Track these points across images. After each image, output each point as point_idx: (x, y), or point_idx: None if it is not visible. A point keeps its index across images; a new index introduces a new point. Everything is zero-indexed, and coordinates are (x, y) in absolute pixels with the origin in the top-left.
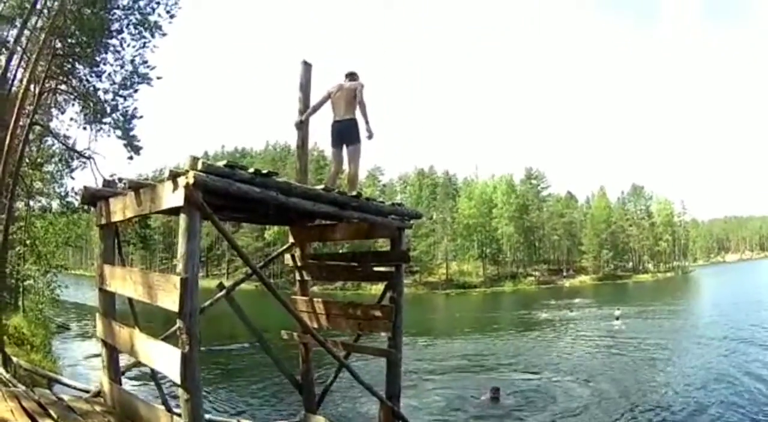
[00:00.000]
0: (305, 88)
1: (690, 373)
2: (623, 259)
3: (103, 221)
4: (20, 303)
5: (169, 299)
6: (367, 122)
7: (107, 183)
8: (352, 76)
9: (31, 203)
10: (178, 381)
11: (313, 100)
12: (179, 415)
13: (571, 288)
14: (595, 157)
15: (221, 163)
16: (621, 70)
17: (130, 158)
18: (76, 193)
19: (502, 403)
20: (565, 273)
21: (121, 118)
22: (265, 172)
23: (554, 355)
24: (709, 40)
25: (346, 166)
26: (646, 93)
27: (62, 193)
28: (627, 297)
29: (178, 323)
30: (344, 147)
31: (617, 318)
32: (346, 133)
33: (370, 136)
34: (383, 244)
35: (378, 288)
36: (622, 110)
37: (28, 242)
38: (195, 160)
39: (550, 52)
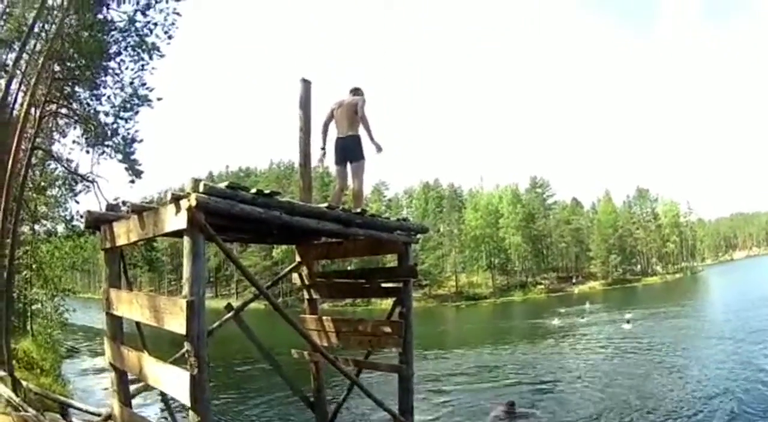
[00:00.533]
0: (305, 105)
1: (702, 374)
2: (631, 263)
3: (108, 245)
4: (29, 327)
5: (176, 322)
6: (371, 137)
7: (111, 207)
8: (355, 91)
9: (36, 227)
10: (188, 403)
11: (315, 118)
12: None
13: (580, 295)
14: (599, 162)
15: (223, 185)
16: (621, 72)
17: (132, 182)
18: (80, 217)
19: (517, 418)
20: (574, 280)
21: (122, 142)
22: (267, 192)
23: (567, 363)
24: (710, 40)
25: (350, 183)
26: (646, 94)
27: (67, 217)
28: (637, 301)
29: (186, 346)
30: (348, 164)
31: (628, 322)
32: (349, 150)
33: (378, 150)
34: (391, 260)
35: (389, 302)
36: (623, 113)
37: (34, 266)
38: (197, 182)
39: (549, 55)
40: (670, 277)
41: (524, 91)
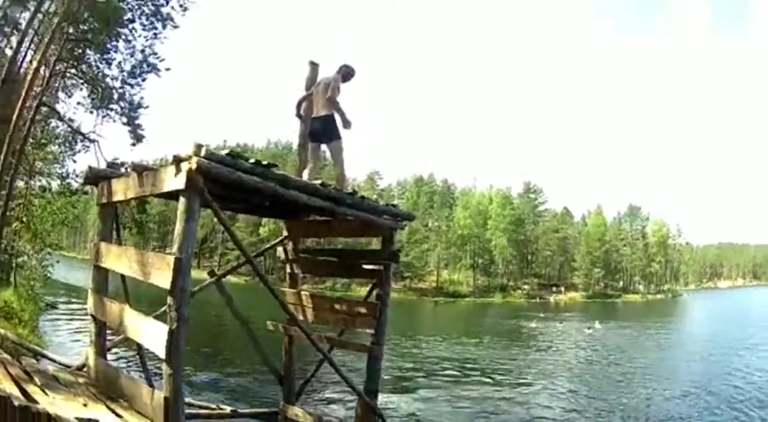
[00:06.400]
0: (310, 87)
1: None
2: (614, 278)
3: (104, 200)
4: (12, 278)
5: (162, 277)
6: (341, 114)
7: (111, 164)
8: (340, 68)
9: (32, 182)
10: (163, 356)
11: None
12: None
13: (559, 304)
14: (595, 176)
15: (224, 152)
16: (630, 84)
17: (133, 145)
18: (76, 175)
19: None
20: (555, 289)
21: (128, 106)
22: (265, 163)
23: (531, 364)
24: (713, 60)
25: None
26: (650, 111)
27: (63, 174)
28: (614, 315)
29: (169, 301)
30: (324, 145)
31: (589, 328)
32: (323, 131)
33: (346, 125)
34: (375, 244)
35: (366, 291)
36: (624, 129)
37: (25, 219)
38: (199, 146)
39: (555, 60)
40: (651, 297)
41: (528, 99)
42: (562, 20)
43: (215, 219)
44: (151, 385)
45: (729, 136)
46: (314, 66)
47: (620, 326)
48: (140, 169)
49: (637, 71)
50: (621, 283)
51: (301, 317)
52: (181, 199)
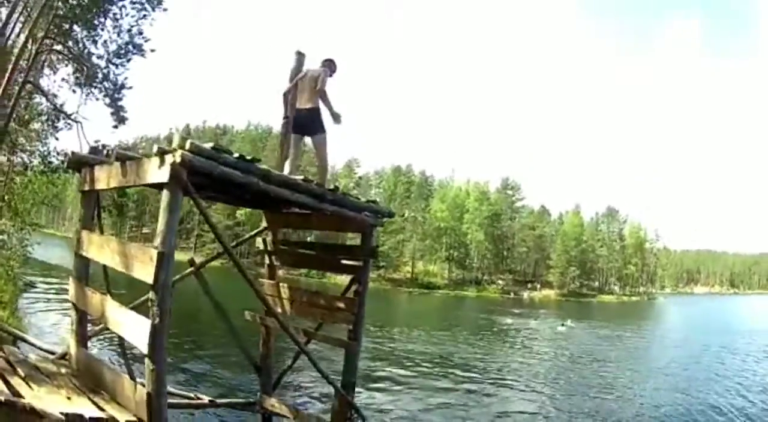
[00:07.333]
0: (295, 78)
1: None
2: (590, 278)
3: (86, 187)
4: None
5: (144, 271)
6: (330, 110)
7: (93, 150)
8: (324, 62)
9: (13, 158)
10: (145, 350)
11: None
12: (143, 385)
13: (533, 301)
14: (574, 176)
15: (208, 145)
16: (615, 93)
17: (115, 127)
18: (58, 153)
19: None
20: (530, 285)
21: (112, 87)
22: (249, 158)
23: (504, 360)
24: (706, 71)
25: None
26: (634, 118)
27: (45, 152)
28: (588, 314)
29: (151, 295)
30: (306, 138)
31: (563, 325)
32: (307, 124)
33: (336, 121)
34: (353, 238)
35: (341, 278)
36: (607, 133)
37: (6, 197)
38: (183, 139)
39: (545, 64)
40: (626, 298)
41: (515, 95)
42: (548, 20)
43: (191, 202)
44: (132, 377)
45: (714, 145)
46: (300, 56)
47: (593, 325)
48: (123, 158)
49: (624, 77)
50: (596, 283)
51: (279, 309)
52: (165, 192)
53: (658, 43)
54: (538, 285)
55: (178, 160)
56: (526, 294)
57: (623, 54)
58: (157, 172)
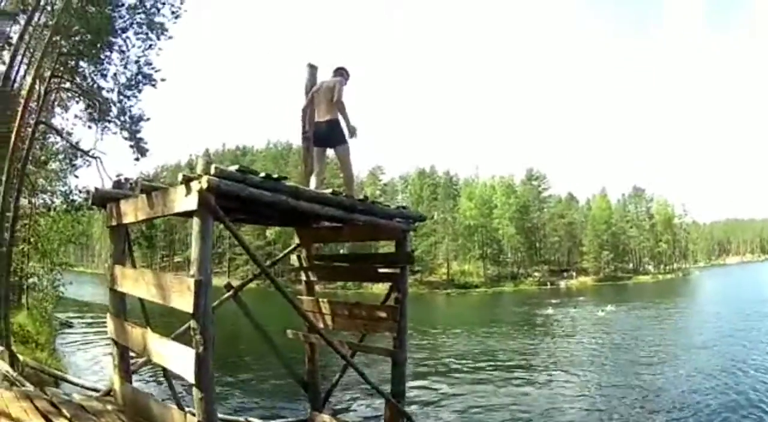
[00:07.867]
0: (310, 91)
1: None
2: (623, 260)
3: (114, 222)
4: (24, 301)
5: (183, 301)
6: (347, 121)
7: (117, 184)
8: (336, 72)
9: (34, 201)
10: (192, 380)
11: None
12: (192, 414)
13: (570, 289)
14: (597, 160)
15: (233, 168)
16: (624, 73)
17: (137, 159)
18: (79, 191)
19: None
20: (565, 274)
21: (129, 120)
22: (275, 176)
23: (549, 351)
24: (711, 45)
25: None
26: (648, 96)
27: (66, 191)
28: (626, 297)
29: (192, 324)
30: (329, 150)
31: (602, 310)
32: (328, 136)
33: (351, 135)
34: (384, 245)
35: (379, 286)
36: (624, 113)
37: (32, 240)
38: (208, 164)
39: (553, 53)
40: (661, 277)
41: (527, 86)
42: (553, 5)
43: (221, 226)
44: (181, 408)
45: (728, 113)
46: (312, 69)
47: (633, 307)
48: (149, 189)
49: (635, 56)
50: (631, 265)
51: (320, 324)
52: (195, 220)
53: (667, 21)
54: (574, 273)
55: (205, 185)
56: (563, 284)
57: (630, 36)
58: (184, 201)
